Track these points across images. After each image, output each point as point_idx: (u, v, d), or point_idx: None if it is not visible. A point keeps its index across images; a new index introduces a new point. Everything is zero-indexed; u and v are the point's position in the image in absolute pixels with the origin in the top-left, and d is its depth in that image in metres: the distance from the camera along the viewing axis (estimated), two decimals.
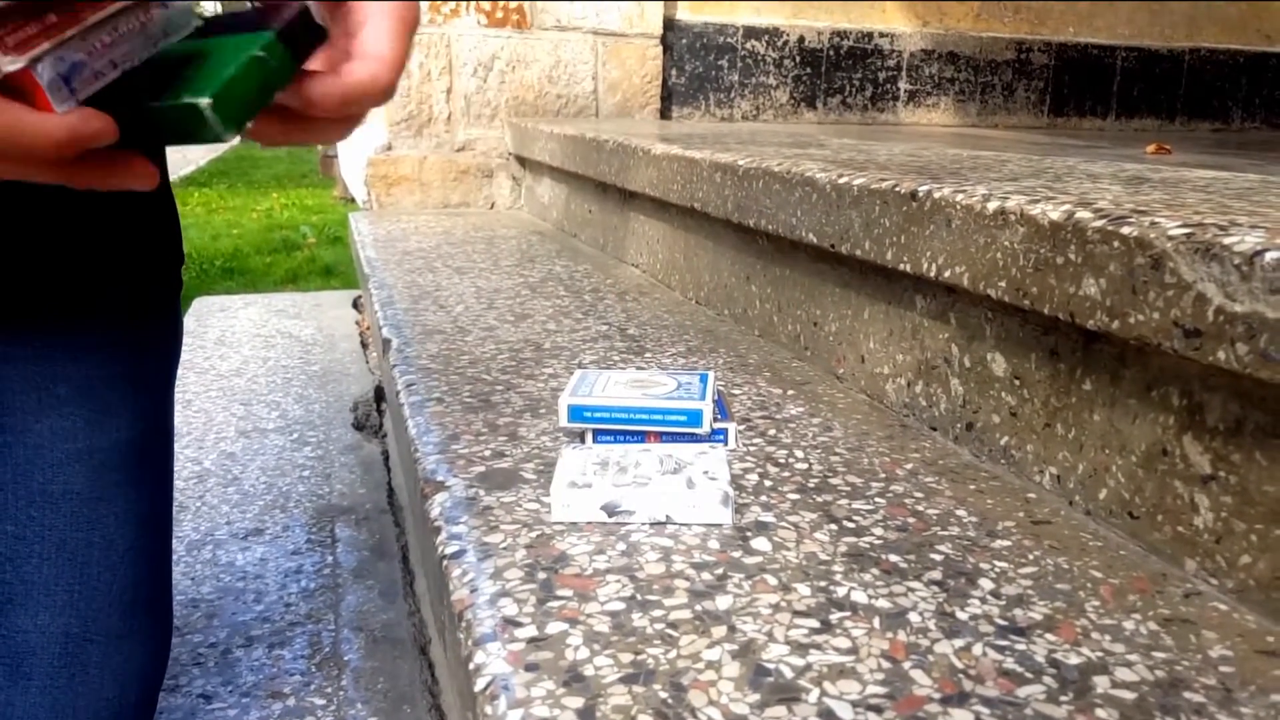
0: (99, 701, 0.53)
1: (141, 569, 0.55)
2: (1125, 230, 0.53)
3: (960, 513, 0.62)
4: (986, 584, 0.52)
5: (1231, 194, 0.67)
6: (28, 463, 0.51)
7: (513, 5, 2.08)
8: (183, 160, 8.73)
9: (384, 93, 0.39)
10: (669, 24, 2.25)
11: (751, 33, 2.34)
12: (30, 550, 0.51)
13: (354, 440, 1.41)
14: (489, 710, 0.42)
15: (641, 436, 0.66)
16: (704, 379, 0.73)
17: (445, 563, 0.55)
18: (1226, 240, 0.48)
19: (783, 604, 0.50)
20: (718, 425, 0.69)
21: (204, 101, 0.33)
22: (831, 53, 2.42)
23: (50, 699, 0.51)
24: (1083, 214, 0.57)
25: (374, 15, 0.40)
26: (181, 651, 0.88)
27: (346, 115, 0.40)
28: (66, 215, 0.53)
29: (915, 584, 0.52)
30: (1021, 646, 0.47)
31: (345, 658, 0.89)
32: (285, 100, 0.38)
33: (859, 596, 0.51)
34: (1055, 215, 0.58)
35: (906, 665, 0.45)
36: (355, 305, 2.26)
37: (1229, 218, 0.53)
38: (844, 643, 0.46)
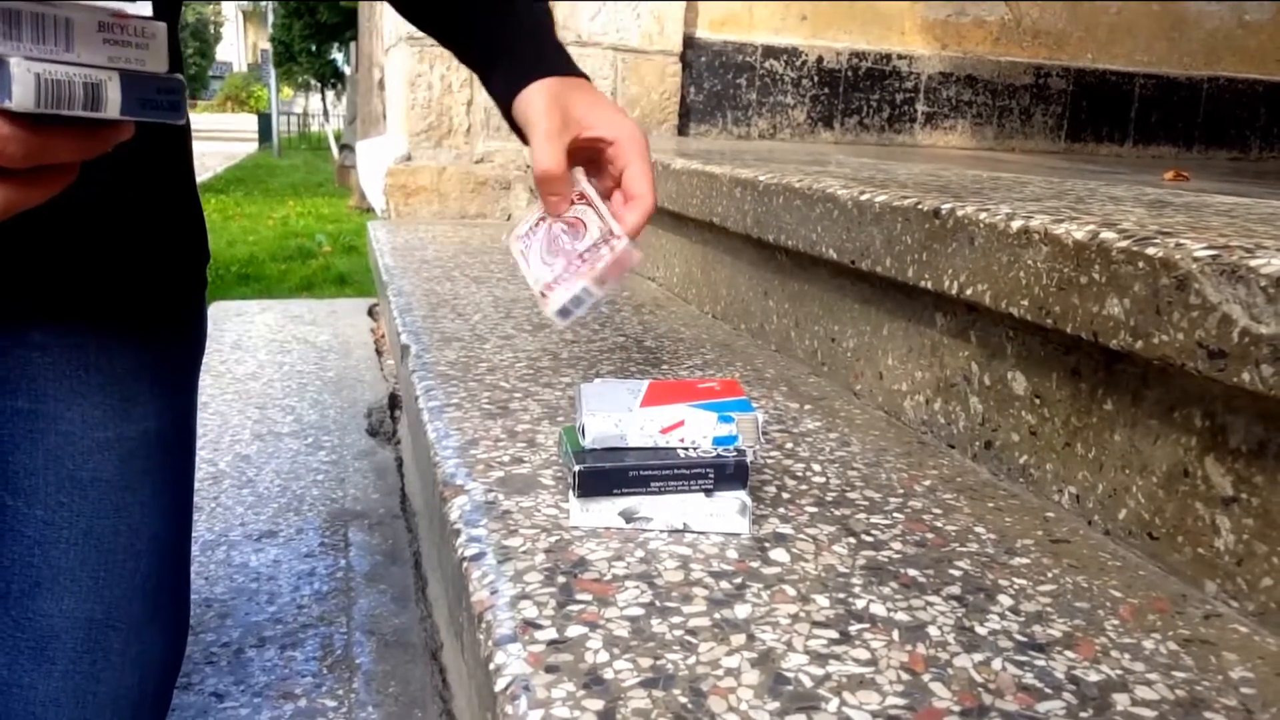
0: (119, 688, 0.53)
1: (164, 558, 0.56)
2: (1150, 251, 0.53)
3: (979, 529, 0.62)
4: (1005, 600, 0.52)
5: (1255, 219, 0.67)
6: (58, 449, 0.52)
7: None
8: (200, 167, 8.80)
9: (651, 209, 0.67)
10: (688, 42, 2.27)
11: (770, 52, 2.35)
12: (58, 535, 0.52)
13: (368, 446, 1.42)
14: (509, 710, 0.42)
15: None
16: None
17: (465, 565, 0.55)
18: (1253, 263, 0.48)
19: (801, 614, 0.50)
20: None
21: None
22: (850, 73, 2.43)
23: (72, 684, 0.52)
24: (1107, 234, 0.57)
25: (629, 157, 0.67)
26: (194, 650, 0.88)
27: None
28: (100, 213, 0.54)
29: (934, 598, 0.52)
30: (1041, 662, 0.46)
31: (357, 660, 0.89)
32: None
33: (878, 609, 0.51)
34: (1079, 235, 0.59)
35: (926, 678, 0.45)
36: (370, 313, 2.27)
37: (1254, 241, 0.53)
38: (863, 654, 0.47)
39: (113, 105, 0.34)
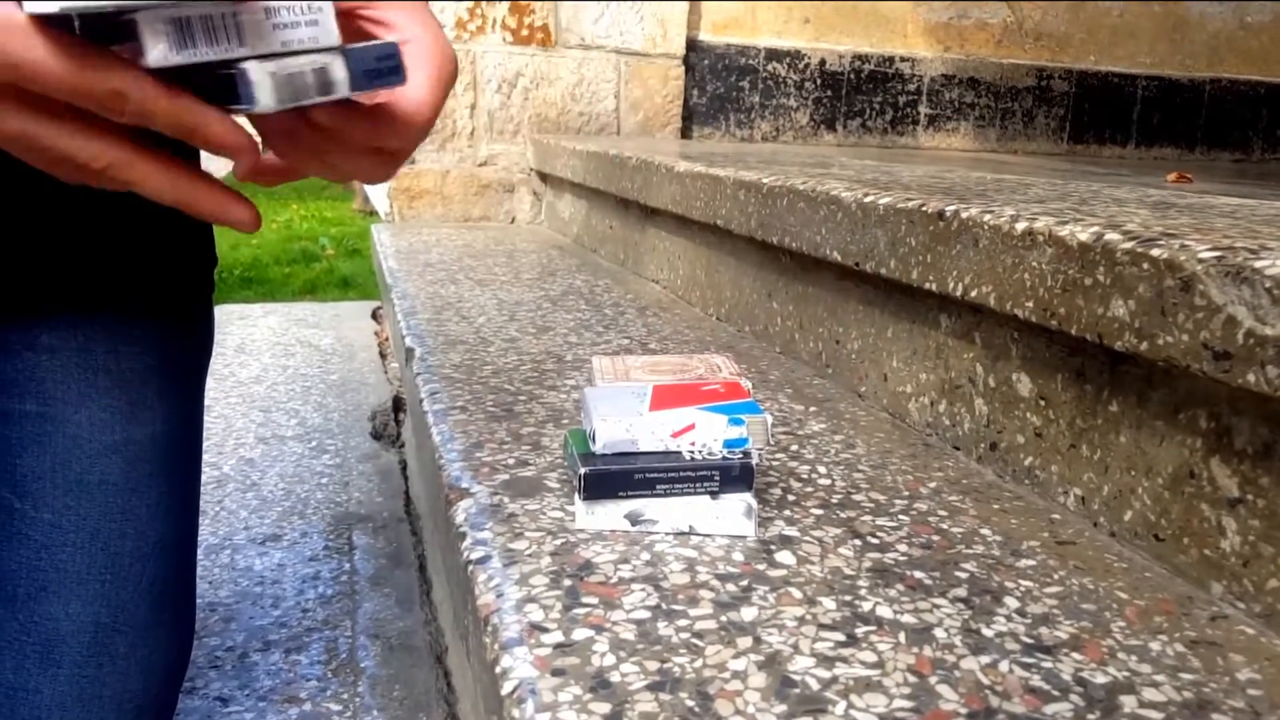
0: (124, 692, 0.53)
1: (170, 562, 0.56)
2: (1155, 252, 0.53)
3: (984, 532, 0.61)
4: (1012, 602, 0.52)
5: (1260, 220, 0.67)
6: (66, 452, 0.52)
7: (538, 24, 2.11)
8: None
9: (419, 130, 0.41)
10: (691, 45, 2.27)
11: (773, 55, 2.35)
12: (65, 539, 0.52)
13: (372, 449, 1.42)
14: (516, 714, 0.42)
15: None
16: None
17: (470, 568, 0.55)
18: (1258, 264, 0.48)
19: (808, 617, 0.50)
20: None
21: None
22: (852, 76, 2.43)
23: (78, 688, 0.52)
24: (1112, 236, 0.57)
25: (415, 64, 0.41)
26: (199, 654, 0.88)
27: (373, 147, 0.41)
28: (107, 215, 0.54)
29: (940, 601, 0.52)
30: (1048, 664, 0.46)
31: (362, 664, 0.89)
32: (319, 118, 0.38)
33: (884, 611, 0.51)
34: (1084, 236, 0.59)
35: (933, 680, 0.45)
36: (374, 316, 2.28)
37: (1259, 242, 0.53)
38: (870, 656, 0.46)
39: (341, 85, 0.35)
